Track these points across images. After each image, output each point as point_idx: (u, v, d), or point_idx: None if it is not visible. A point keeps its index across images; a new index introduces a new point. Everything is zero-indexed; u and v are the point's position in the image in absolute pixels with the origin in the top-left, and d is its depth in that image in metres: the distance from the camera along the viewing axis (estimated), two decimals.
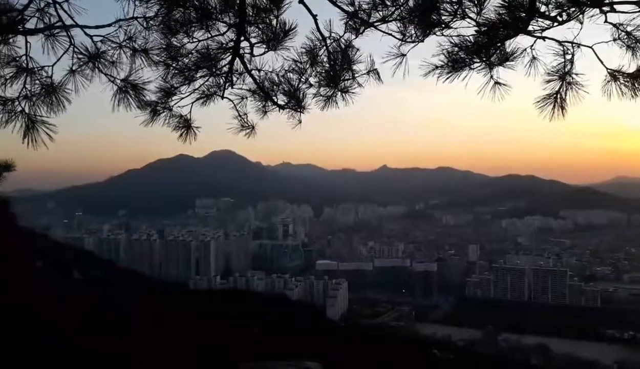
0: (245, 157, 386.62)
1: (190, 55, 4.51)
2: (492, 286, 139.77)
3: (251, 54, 4.55)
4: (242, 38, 4.32)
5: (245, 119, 4.77)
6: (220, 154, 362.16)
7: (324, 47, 4.42)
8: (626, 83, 4.10)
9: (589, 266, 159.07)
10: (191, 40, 4.48)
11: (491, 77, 4.48)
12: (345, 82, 4.62)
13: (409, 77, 4.58)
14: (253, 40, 4.54)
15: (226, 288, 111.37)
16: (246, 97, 4.69)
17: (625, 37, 3.96)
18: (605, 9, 3.78)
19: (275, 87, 4.65)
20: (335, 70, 4.52)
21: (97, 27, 4.17)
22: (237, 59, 4.42)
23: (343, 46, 4.51)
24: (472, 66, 4.48)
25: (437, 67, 4.35)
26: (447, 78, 4.52)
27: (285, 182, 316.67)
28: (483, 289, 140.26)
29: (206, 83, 4.61)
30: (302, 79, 4.52)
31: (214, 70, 4.62)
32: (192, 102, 4.61)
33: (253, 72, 4.55)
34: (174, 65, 4.50)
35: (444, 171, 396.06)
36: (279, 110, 4.66)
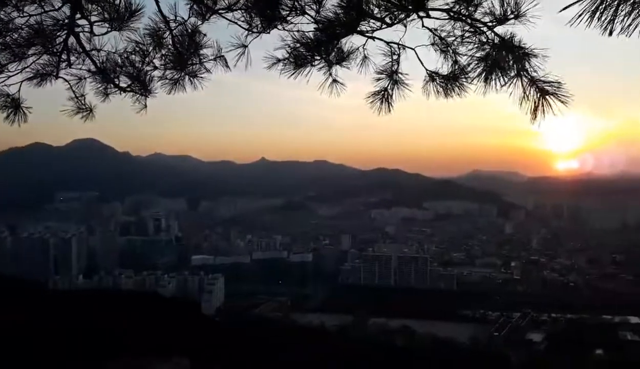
0: (112, 147, 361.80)
1: (20, 31, 4.21)
2: (362, 273, 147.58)
3: (91, 32, 4.38)
4: (79, 15, 4.15)
5: (83, 101, 4.57)
6: (84, 143, 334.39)
7: (169, 31, 4.42)
8: (441, 84, 4.68)
9: (447, 252, 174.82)
10: (22, 15, 4.19)
11: (330, 74, 4.84)
12: (193, 66, 4.66)
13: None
14: (94, 19, 4.38)
15: (90, 287, 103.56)
16: (85, 78, 4.51)
17: (439, 41, 4.54)
18: (422, 14, 4.30)
19: (118, 68, 4.53)
20: (182, 54, 4.54)
21: None
22: (73, 37, 4.23)
23: (189, 31, 4.55)
24: (313, 63, 4.80)
25: (279, 60, 4.58)
26: (292, 74, 4.78)
27: (157, 174, 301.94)
28: (354, 276, 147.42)
29: (40, 61, 4.34)
30: (146, 61, 4.47)
31: (49, 47, 4.36)
32: (22, 81, 4.31)
33: (93, 52, 4.39)
34: (0, 40, 4.18)
35: (320, 164, 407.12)
36: (121, 93, 4.55)
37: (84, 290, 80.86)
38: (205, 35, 4.65)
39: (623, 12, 2.56)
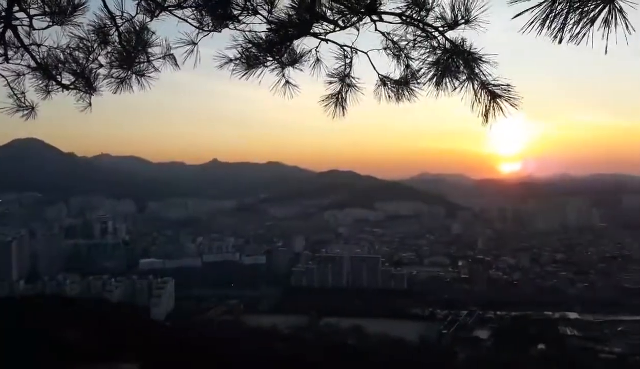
0: (56, 147, 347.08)
1: None
2: (316, 274, 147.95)
3: (30, 26, 4.14)
4: (17, 7, 3.91)
5: (23, 99, 4.32)
6: (25, 143, 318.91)
7: (115, 27, 4.25)
8: (393, 88, 4.72)
9: (397, 252, 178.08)
10: None
11: (283, 76, 4.78)
12: (141, 65, 4.49)
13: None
14: (33, 12, 4.14)
15: (32, 294, 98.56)
16: (24, 74, 4.26)
17: (392, 45, 4.58)
18: (375, 18, 4.32)
19: (60, 65, 4.31)
20: (129, 51, 4.36)
21: None
22: (11, 31, 3.98)
23: (137, 28, 4.38)
24: (266, 64, 4.73)
25: (231, 60, 4.49)
26: (244, 74, 4.69)
27: (104, 175, 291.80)
28: (307, 277, 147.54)
29: None
30: (90, 58, 4.27)
31: None
32: None
33: (32, 47, 4.14)
34: None
35: (273, 166, 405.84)
36: (63, 90, 4.32)
37: (25, 296, 76.84)
38: (153, 33, 4.50)
39: (572, 21, 2.65)
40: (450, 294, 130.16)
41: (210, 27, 4.41)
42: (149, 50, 4.46)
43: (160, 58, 4.48)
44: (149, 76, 4.54)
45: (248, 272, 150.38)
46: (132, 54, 4.40)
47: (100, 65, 4.37)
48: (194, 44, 4.26)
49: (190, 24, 4.38)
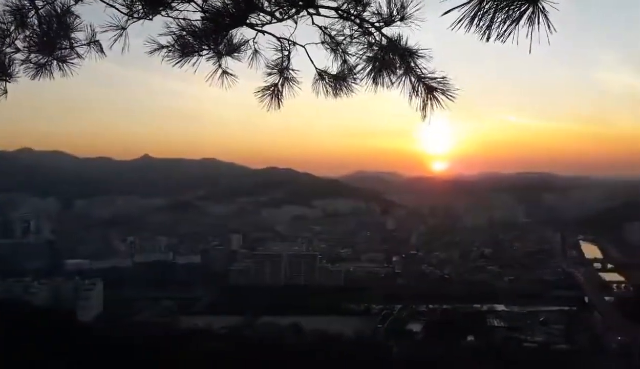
0: None
1: None
2: (253, 273, 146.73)
3: None
4: None
5: None
6: None
7: (35, 9, 3.94)
8: (330, 83, 4.72)
9: (334, 249, 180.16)
10: None
11: (220, 66, 4.64)
12: (63, 51, 4.19)
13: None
14: None
15: None
16: None
17: (329, 40, 4.58)
18: (312, 11, 4.29)
19: None
20: (50, 36, 4.06)
21: None
22: None
23: (59, 11, 4.09)
24: (201, 53, 4.56)
25: (163, 46, 4.29)
26: (178, 62, 4.51)
27: (25, 171, 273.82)
28: (244, 276, 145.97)
29: None
30: (6, 42, 3.93)
31: None
32: None
33: None
34: None
35: (208, 162, 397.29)
36: None
37: None
38: (78, 17, 4.22)
39: (499, 20, 2.73)
40: (385, 289, 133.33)
41: (140, 14, 4.19)
42: (72, 35, 4.18)
43: (84, 44, 4.21)
44: (71, 63, 4.26)
45: (182, 272, 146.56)
46: (53, 39, 4.10)
47: (17, 50, 4.04)
48: (123, 29, 4.03)
49: (118, 10, 4.14)
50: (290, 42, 4.57)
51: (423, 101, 3.70)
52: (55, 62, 4.17)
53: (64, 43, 4.14)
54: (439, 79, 3.69)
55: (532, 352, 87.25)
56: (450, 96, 3.69)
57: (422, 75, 3.73)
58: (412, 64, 3.74)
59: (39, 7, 3.95)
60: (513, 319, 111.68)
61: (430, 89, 3.68)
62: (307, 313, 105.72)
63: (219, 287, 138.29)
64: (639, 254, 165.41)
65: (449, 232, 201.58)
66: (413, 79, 3.77)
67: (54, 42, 4.08)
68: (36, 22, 4.00)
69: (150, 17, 4.28)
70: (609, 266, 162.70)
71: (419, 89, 3.74)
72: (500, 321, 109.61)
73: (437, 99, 3.72)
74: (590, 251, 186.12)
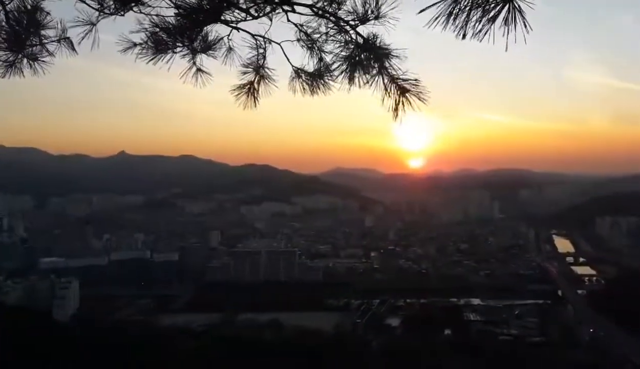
0: None
1: None
2: (232, 270, 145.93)
3: None
4: None
5: None
6: None
7: (2, 5, 3.83)
8: (307, 81, 4.70)
9: (313, 245, 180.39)
10: None
11: (194, 63, 4.59)
12: (33, 48, 4.10)
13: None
14: None
15: None
16: None
17: (305, 38, 4.56)
18: (287, 8, 4.27)
19: None
20: (19, 33, 3.96)
21: None
22: None
23: (28, 7, 3.99)
24: (175, 50, 4.50)
25: (136, 44, 4.23)
26: (151, 59, 4.44)
27: None
28: (223, 273, 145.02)
29: None
30: None
31: None
32: None
33: None
34: None
35: (186, 159, 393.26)
36: None
37: None
38: (48, 13, 4.12)
39: (475, 18, 2.76)
40: (364, 284, 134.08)
41: (112, 10, 4.12)
42: (43, 32, 4.08)
43: (55, 41, 4.12)
44: (42, 61, 4.16)
45: (160, 270, 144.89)
46: (22, 36, 4.00)
47: None
48: (93, 25, 3.95)
49: (89, 5, 4.06)
50: (265, 40, 4.54)
51: (395, 102, 3.72)
52: (25, 60, 4.07)
53: (34, 40, 4.04)
54: (411, 81, 3.71)
55: (507, 344, 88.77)
56: (423, 98, 3.71)
57: (395, 76, 3.74)
58: (386, 64, 3.75)
59: (7, 3, 3.85)
60: (489, 312, 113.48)
61: (402, 90, 3.70)
62: (286, 309, 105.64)
63: (198, 284, 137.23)
64: (609, 249, 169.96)
65: (426, 228, 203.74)
66: (386, 80, 3.78)
67: (24, 39, 3.98)
68: (4, 18, 3.89)
69: (122, 13, 4.20)
70: (581, 260, 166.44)
71: (391, 90, 3.75)
72: (477, 315, 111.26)
73: (409, 101, 3.73)
74: (563, 245, 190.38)
